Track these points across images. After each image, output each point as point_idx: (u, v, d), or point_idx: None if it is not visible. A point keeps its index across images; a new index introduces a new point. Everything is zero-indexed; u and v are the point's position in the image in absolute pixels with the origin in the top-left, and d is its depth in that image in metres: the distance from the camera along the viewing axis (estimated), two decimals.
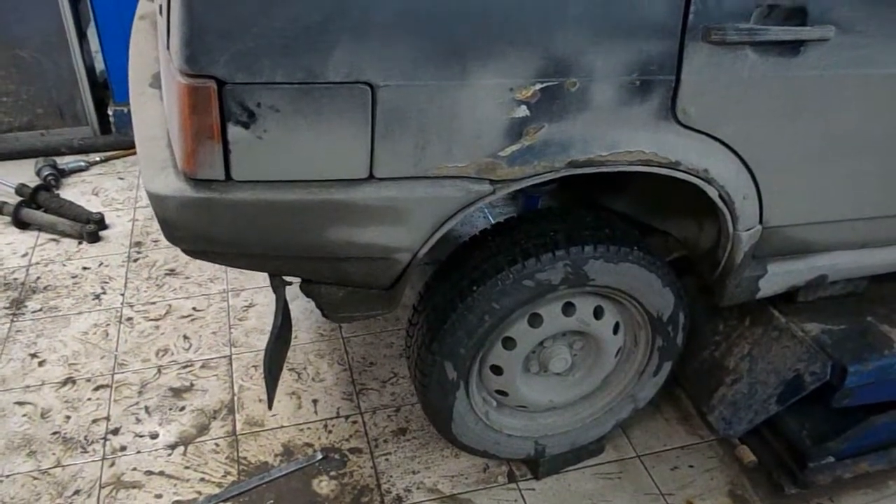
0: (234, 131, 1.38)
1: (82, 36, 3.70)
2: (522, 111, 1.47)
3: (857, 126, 1.68)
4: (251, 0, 1.29)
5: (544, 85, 1.45)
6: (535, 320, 1.83)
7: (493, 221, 1.84)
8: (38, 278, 2.90)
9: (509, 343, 1.85)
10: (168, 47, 1.41)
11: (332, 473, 2.16)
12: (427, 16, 1.35)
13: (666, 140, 1.57)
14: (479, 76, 1.41)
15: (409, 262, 1.62)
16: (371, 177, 1.48)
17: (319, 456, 2.20)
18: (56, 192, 3.39)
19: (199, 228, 1.49)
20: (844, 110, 1.65)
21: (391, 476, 2.15)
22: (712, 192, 1.67)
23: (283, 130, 1.39)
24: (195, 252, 1.60)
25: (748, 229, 1.76)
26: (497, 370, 1.90)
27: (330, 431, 2.29)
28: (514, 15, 1.38)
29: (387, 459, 2.20)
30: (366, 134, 1.42)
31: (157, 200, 1.46)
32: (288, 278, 1.75)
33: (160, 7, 1.47)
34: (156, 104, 1.75)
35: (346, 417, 2.34)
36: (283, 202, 1.47)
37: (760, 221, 1.77)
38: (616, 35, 1.45)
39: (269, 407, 1.86)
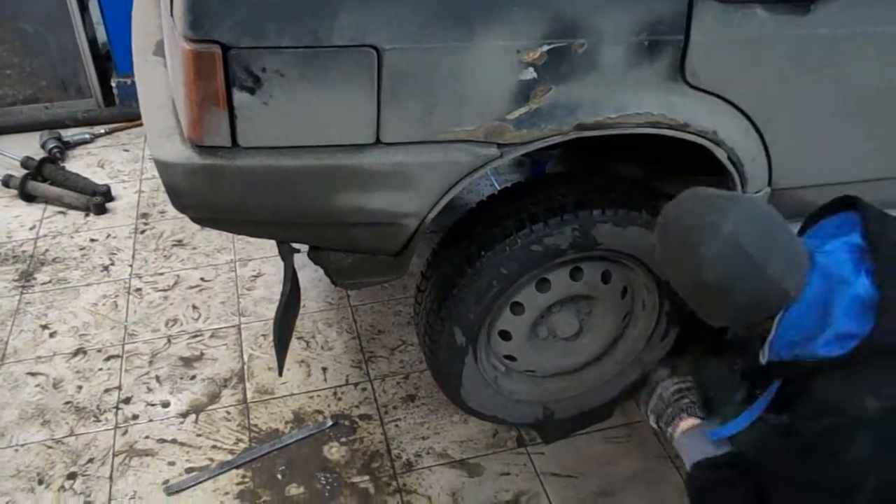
0: (239, 97, 1.37)
1: (84, 8, 3.66)
2: (530, 73, 1.46)
3: (867, 85, 1.66)
4: None
5: (552, 46, 1.44)
6: (543, 285, 1.83)
7: (498, 188, 1.83)
8: (47, 250, 2.91)
9: (517, 308, 1.85)
10: (171, 13, 1.39)
11: (343, 440, 2.18)
12: None
13: (674, 101, 1.56)
14: (486, 38, 1.40)
15: (417, 228, 1.62)
16: (378, 142, 1.47)
17: (330, 423, 2.21)
18: (62, 164, 3.38)
19: (206, 195, 1.49)
20: (855, 69, 1.63)
21: (401, 442, 2.17)
22: (721, 154, 1.65)
23: (288, 96, 1.38)
24: (202, 219, 1.60)
25: (757, 191, 1.75)
26: (505, 335, 1.91)
27: (339, 399, 2.30)
28: None
29: (396, 426, 2.22)
30: (372, 98, 1.41)
31: (163, 168, 1.46)
32: (296, 245, 1.74)
33: None
34: (160, 72, 1.73)
35: (356, 385, 2.35)
36: (289, 168, 1.46)
37: (769, 183, 1.76)
38: None
39: (280, 374, 1.88)
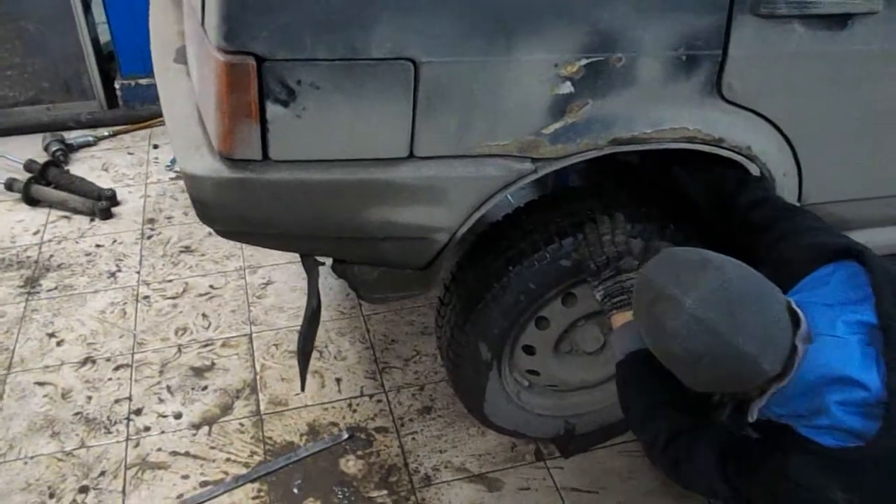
0: (272, 110, 1.34)
1: (87, 8, 3.62)
2: (567, 87, 1.43)
3: None
4: None
5: (590, 60, 1.41)
6: (569, 300, 1.80)
7: (513, 204, 1.80)
8: (52, 256, 2.86)
9: (543, 323, 1.83)
10: (203, 23, 1.36)
11: (359, 453, 2.15)
12: None
13: (710, 116, 1.54)
14: (524, 52, 1.37)
15: (447, 243, 1.59)
16: (411, 155, 1.44)
17: (345, 435, 2.18)
18: (65, 167, 3.33)
19: (236, 209, 1.45)
20: (891, 86, 1.62)
21: (418, 455, 2.14)
22: (754, 169, 1.64)
23: (322, 108, 1.35)
24: (229, 233, 1.57)
25: None
26: (529, 350, 1.88)
27: (354, 410, 2.27)
28: None
29: (413, 438, 2.19)
30: (407, 112, 1.39)
31: (192, 181, 1.43)
32: (321, 258, 1.71)
33: None
34: (183, 80, 1.70)
35: (371, 396, 2.32)
36: (321, 182, 1.43)
37: (799, 199, 1.74)
38: (663, 8, 1.41)
39: (302, 389, 1.85)
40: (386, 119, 1.39)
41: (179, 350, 2.46)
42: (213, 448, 2.15)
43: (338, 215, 1.50)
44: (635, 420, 1.54)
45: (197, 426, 2.21)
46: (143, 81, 3.74)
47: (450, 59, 1.35)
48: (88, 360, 2.42)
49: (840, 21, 1.51)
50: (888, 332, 1.21)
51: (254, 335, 2.53)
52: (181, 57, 1.79)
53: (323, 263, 1.73)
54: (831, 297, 1.28)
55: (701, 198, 1.70)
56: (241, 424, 2.22)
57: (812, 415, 1.23)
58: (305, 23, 1.28)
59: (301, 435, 2.19)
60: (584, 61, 1.41)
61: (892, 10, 1.51)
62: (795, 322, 1.24)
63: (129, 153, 3.55)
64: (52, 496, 2.01)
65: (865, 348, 1.21)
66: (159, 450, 2.14)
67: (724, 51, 1.47)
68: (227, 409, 2.27)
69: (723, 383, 1.31)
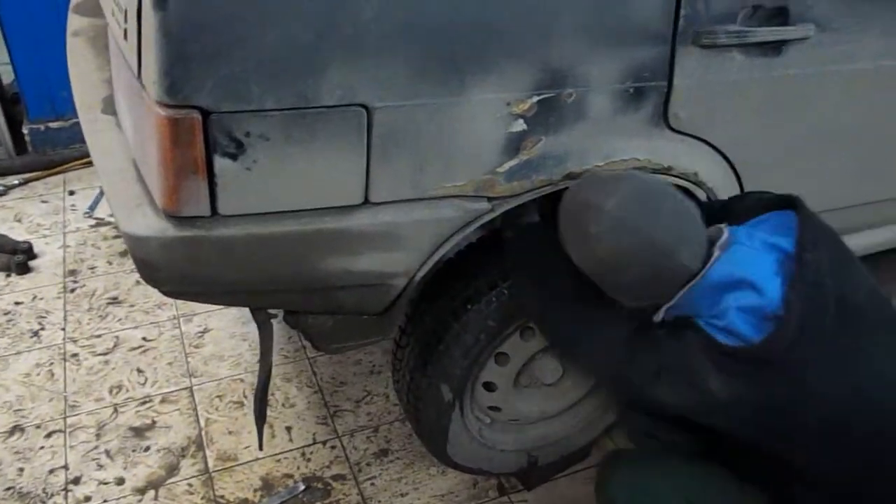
0: (220, 164, 1.28)
1: None
2: (520, 125, 1.42)
3: (837, 120, 1.71)
4: (236, 21, 1.19)
5: (541, 97, 1.41)
6: (526, 333, 1.79)
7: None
8: None
9: (502, 358, 1.81)
10: (140, 76, 1.28)
11: None
12: (423, 31, 1.29)
13: (658, 146, 1.56)
14: (477, 91, 1.36)
15: (406, 287, 1.55)
16: (366, 202, 1.40)
17: (301, 487, 2.10)
18: None
19: (184, 269, 1.38)
20: (825, 106, 1.68)
21: (379, 501, 2.08)
22: (701, 195, 1.66)
23: (273, 160, 1.30)
24: (176, 293, 1.49)
25: None
26: (490, 387, 1.86)
27: (308, 459, 2.19)
28: (510, 27, 1.33)
29: (372, 484, 2.13)
30: (361, 158, 1.35)
31: (135, 242, 1.34)
32: (272, 311, 1.64)
33: (124, 31, 1.34)
34: (112, 132, 1.61)
35: (324, 443, 2.24)
36: (273, 235, 1.37)
37: None
38: (610, 43, 1.42)
39: (260, 448, 1.76)
40: (339, 166, 1.34)
41: (116, 410, 2.33)
42: None
43: (292, 267, 1.44)
44: (535, 309, 1.64)
45: (142, 491, 2.08)
46: (53, 125, 3.55)
47: (403, 103, 1.32)
48: (17, 429, 2.26)
49: (775, 48, 1.56)
50: (800, 260, 1.31)
51: (194, 388, 2.41)
52: (108, 107, 1.70)
53: (275, 316, 1.66)
54: (762, 227, 1.42)
55: None
56: (190, 485, 2.10)
57: (712, 316, 1.34)
58: (252, 72, 1.22)
59: (255, 490, 2.09)
60: (535, 98, 1.41)
61: (823, 36, 1.57)
62: (717, 234, 1.37)
63: (44, 201, 3.36)
64: None
65: (776, 265, 1.32)
66: None
67: (669, 82, 1.50)
68: (172, 469, 2.15)
69: (647, 285, 1.39)
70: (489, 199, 1.48)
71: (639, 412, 1.69)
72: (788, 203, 1.45)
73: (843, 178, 1.83)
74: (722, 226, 1.40)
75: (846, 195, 1.87)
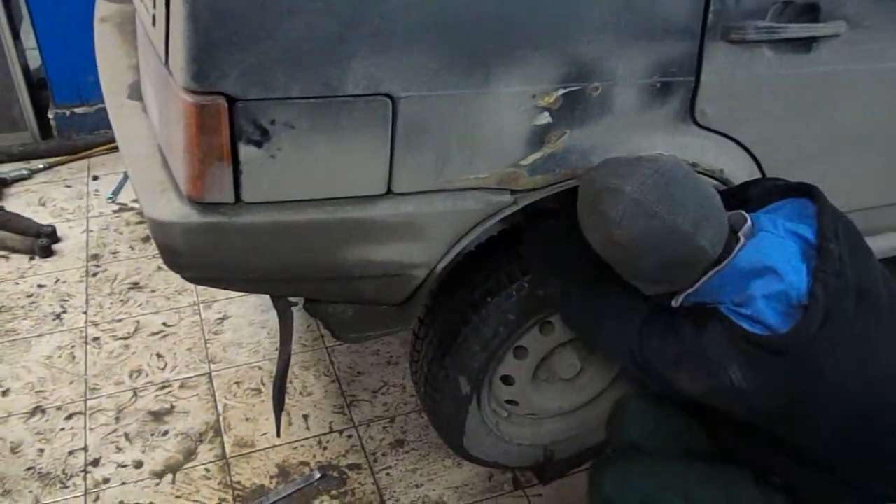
0: (245, 151, 1.28)
1: (16, 34, 3.46)
2: (545, 118, 1.41)
3: (866, 119, 1.69)
4: (264, 9, 1.19)
5: (567, 90, 1.40)
6: (546, 328, 1.78)
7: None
8: None
9: (521, 352, 1.80)
10: (167, 63, 1.29)
11: (333, 492, 2.08)
12: (450, 22, 1.28)
13: (684, 142, 1.54)
14: (502, 84, 1.35)
15: (426, 278, 1.55)
16: (389, 192, 1.40)
17: (317, 475, 2.11)
18: (0, 204, 3.17)
19: (207, 255, 1.38)
20: (855, 105, 1.66)
21: (394, 491, 2.08)
22: None
23: (297, 148, 1.30)
24: (199, 279, 1.49)
25: None
26: (508, 380, 1.85)
27: (325, 448, 2.20)
28: (537, 20, 1.32)
29: (388, 474, 2.13)
30: (385, 148, 1.34)
31: (159, 227, 1.35)
32: (293, 299, 1.65)
33: (153, 17, 1.35)
34: (139, 118, 1.62)
35: (340, 432, 2.25)
36: (296, 223, 1.38)
37: None
38: (638, 37, 1.41)
39: (278, 434, 1.77)
40: (363, 156, 1.34)
41: (135, 394, 2.35)
42: (178, 497, 2.04)
43: (314, 256, 1.44)
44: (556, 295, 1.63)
45: (160, 475, 2.10)
46: (78, 110, 3.59)
47: (428, 94, 1.32)
48: (38, 410, 2.28)
49: (805, 44, 1.54)
50: (822, 251, 1.30)
51: (213, 374, 2.43)
52: (135, 93, 1.71)
53: (295, 304, 1.67)
54: (778, 213, 1.41)
55: None
56: (207, 470, 2.12)
57: (736, 304, 1.32)
58: (278, 60, 1.22)
59: (271, 477, 2.11)
60: (561, 91, 1.40)
61: (855, 33, 1.55)
62: (738, 220, 1.37)
63: (67, 186, 3.40)
64: None
65: (799, 254, 1.31)
66: (121, 502, 2.02)
67: (696, 77, 1.48)
68: (190, 454, 2.17)
69: (667, 270, 1.37)
70: (512, 191, 1.48)
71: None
72: (803, 190, 1.44)
73: (872, 179, 1.81)
74: (742, 212, 1.39)
75: (874, 196, 1.84)
